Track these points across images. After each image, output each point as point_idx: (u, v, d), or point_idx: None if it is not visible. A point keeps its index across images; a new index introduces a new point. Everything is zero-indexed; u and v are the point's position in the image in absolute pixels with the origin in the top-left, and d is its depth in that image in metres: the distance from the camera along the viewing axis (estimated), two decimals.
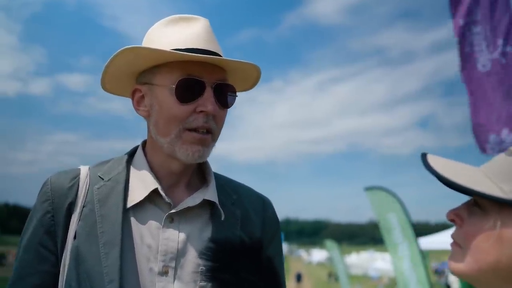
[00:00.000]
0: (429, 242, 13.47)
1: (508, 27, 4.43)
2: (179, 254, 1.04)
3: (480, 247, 0.75)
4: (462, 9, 4.71)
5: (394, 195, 8.50)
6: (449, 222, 0.84)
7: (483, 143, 4.42)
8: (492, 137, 4.33)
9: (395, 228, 8.43)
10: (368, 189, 9.05)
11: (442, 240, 14.44)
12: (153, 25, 1.12)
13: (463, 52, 4.65)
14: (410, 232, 8.15)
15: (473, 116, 4.57)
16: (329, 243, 18.95)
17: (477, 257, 0.75)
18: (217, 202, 1.10)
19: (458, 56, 4.69)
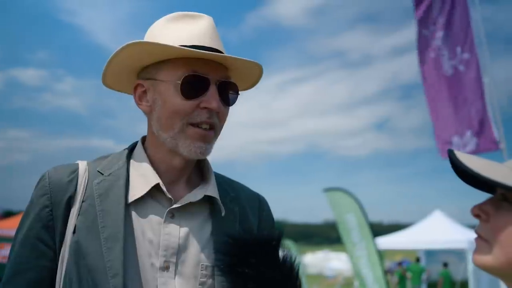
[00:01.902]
0: (382, 242, 13.87)
1: (465, 35, 4.67)
2: (180, 250, 1.04)
3: (510, 241, 0.77)
4: (425, 15, 4.93)
5: (352, 196, 8.70)
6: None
7: (443, 145, 4.64)
8: (455, 139, 4.55)
9: (353, 228, 8.64)
10: (327, 190, 9.22)
11: (394, 240, 14.90)
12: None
13: (426, 56, 4.87)
14: (367, 232, 8.38)
15: (435, 118, 4.80)
16: (287, 243, 19.18)
17: (507, 250, 0.78)
18: (218, 198, 1.11)
19: (419, 60, 4.91)
